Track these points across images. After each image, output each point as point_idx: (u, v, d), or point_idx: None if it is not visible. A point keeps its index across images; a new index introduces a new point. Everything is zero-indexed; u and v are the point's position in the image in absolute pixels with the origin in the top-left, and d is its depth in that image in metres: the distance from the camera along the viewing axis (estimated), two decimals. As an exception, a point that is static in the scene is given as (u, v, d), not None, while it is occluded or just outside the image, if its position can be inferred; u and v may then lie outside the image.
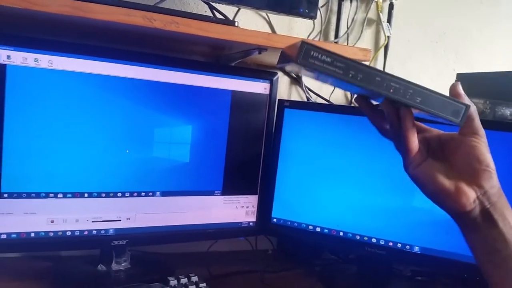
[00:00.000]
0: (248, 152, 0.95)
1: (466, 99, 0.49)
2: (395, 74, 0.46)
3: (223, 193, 0.92)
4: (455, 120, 0.48)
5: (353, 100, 0.47)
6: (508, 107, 0.98)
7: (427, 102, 0.47)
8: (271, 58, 0.92)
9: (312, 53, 0.44)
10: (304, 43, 0.44)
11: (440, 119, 0.48)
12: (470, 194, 0.48)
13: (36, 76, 0.72)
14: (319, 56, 0.44)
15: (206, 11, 0.97)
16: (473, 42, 1.34)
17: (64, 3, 0.59)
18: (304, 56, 0.44)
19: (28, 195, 0.75)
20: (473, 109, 0.49)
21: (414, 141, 0.50)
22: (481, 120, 0.93)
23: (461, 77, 1.11)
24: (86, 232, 0.80)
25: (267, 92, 0.94)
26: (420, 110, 0.47)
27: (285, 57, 0.48)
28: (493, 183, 0.49)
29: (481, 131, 0.50)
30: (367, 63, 1.12)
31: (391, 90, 0.46)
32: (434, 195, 0.51)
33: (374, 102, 0.54)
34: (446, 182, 0.49)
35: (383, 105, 0.51)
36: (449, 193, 0.49)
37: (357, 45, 1.17)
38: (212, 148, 0.90)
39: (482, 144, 0.50)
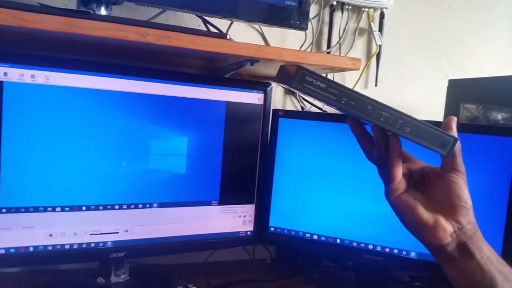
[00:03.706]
0: (244, 161, 0.96)
1: (455, 133, 0.51)
2: (387, 104, 0.47)
3: (220, 203, 0.93)
4: (442, 151, 0.49)
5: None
6: (500, 112, 1.00)
7: (416, 133, 0.48)
8: (264, 69, 0.94)
9: (307, 78, 0.46)
10: (299, 68, 0.46)
11: (428, 149, 0.49)
12: (447, 228, 0.50)
13: (33, 92, 0.73)
14: (314, 81, 0.46)
15: (200, 25, 0.99)
16: (465, 48, 1.36)
17: (58, 20, 0.61)
18: (299, 81, 0.46)
19: (26, 210, 0.76)
20: (458, 145, 0.50)
21: (398, 170, 0.52)
22: (474, 125, 0.95)
23: (453, 83, 1.13)
24: (84, 245, 0.81)
25: (261, 102, 0.95)
26: (408, 139, 0.49)
27: (283, 75, 0.50)
28: (470, 218, 0.51)
29: (462, 168, 0.52)
30: (358, 72, 1.15)
31: (382, 119, 0.48)
32: (413, 226, 0.53)
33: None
34: (425, 215, 0.51)
35: (373, 129, 0.52)
36: (427, 226, 0.51)
37: (349, 54, 1.19)
38: (208, 159, 0.91)
39: (462, 181, 0.52)
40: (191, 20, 1.01)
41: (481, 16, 1.37)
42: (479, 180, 0.81)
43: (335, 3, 1.14)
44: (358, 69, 0.87)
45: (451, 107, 1.10)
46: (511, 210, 0.81)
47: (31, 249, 0.77)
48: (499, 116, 0.99)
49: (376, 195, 0.87)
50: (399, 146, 0.51)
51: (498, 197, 0.82)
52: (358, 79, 1.19)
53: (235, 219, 0.95)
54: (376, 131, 0.52)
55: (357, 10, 1.19)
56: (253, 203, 0.97)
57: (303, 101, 1.15)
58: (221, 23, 0.98)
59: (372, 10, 1.19)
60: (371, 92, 1.22)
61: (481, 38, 1.38)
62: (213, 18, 0.96)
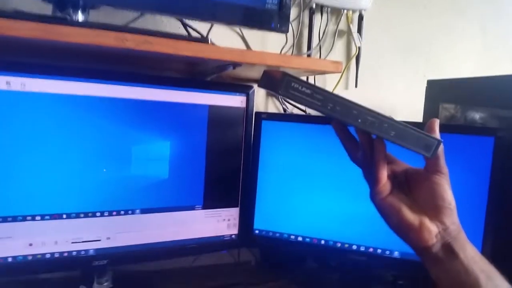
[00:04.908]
0: (227, 165, 0.95)
1: (438, 135, 0.51)
2: (371, 108, 0.48)
3: (204, 207, 0.92)
4: (426, 153, 0.50)
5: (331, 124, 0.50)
6: (477, 112, 1.02)
7: (401, 136, 0.49)
8: (246, 72, 0.93)
9: (292, 84, 0.46)
10: (285, 74, 0.46)
11: (412, 151, 0.50)
12: (432, 229, 0.51)
13: (9, 99, 0.71)
14: (300, 87, 0.46)
15: (179, 27, 0.98)
16: (442, 49, 1.38)
17: (34, 27, 0.59)
18: (285, 87, 0.46)
19: (4, 219, 0.74)
20: (441, 147, 0.51)
21: (383, 172, 0.52)
22: (452, 125, 0.96)
23: (432, 84, 1.15)
24: (66, 254, 0.79)
25: (244, 105, 0.95)
26: (393, 142, 0.49)
27: (268, 81, 0.50)
28: (453, 219, 0.52)
29: (445, 169, 0.52)
30: (338, 74, 1.16)
31: (367, 124, 0.48)
32: (398, 228, 0.53)
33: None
34: (410, 216, 0.52)
35: (358, 133, 0.52)
36: (412, 227, 0.51)
37: (329, 56, 1.20)
38: (191, 163, 0.90)
39: (445, 182, 0.52)
40: (170, 24, 1.00)
41: (454, 17, 1.40)
42: (457, 179, 0.83)
43: (314, 5, 1.15)
44: (340, 72, 0.88)
45: (430, 107, 1.12)
46: (490, 209, 0.83)
47: (10, 259, 0.75)
48: (477, 116, 1.01)
49: (359, 196, 0.89)
50: (384, 149, 0.52)
51: (477, 196, 0.84)
52: (339, 81, 1.19)
53: (219, 223, 0.95)
54: (361, 134, 0.52)
55: (336, 12, 1.20)
56: (237, 206, 0.97)
57: (285, 103, 1.15)
58: (201, 26, 0.97)
59: (351, 12, 1.19)
60: (351, 93, 1.23)
61: (455, 39, 1.41)
62: (193, 21, 0.95)
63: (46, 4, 0.69)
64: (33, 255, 0.77)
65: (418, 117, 1.15)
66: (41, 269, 0.81)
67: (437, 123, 0.53)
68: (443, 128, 0.53)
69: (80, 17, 0.70)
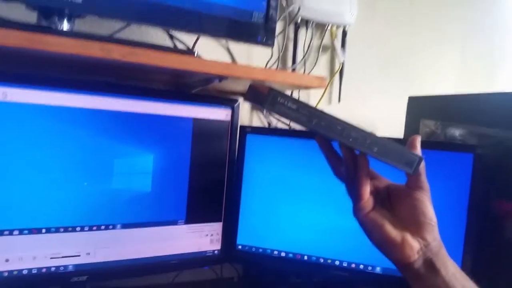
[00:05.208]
0: (211, 179, 0.94)
1: (419, 152, 0.52)
2: (355, 124, 0.49)
3: (186, 222, 0.91)
4: (408, 170, 0.51)
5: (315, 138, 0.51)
6: (457, 128, 1.04)
7: (383, 152, 0.50)
8: (232, 85, 0.93)
9: (279, 99, 0.47)
10: (271, 90, 0.46)
11: (394, 167, 0.51)
12: (414, 246, 0.52)
13: (-11, 109, 0.69)
14: (286, 102, 0.47)
15: (166, 39, 0.97)
16: (423, 65, 1.42)
17: (18, 35, 0.57)
18: (271, 102, 0.47)
19: (-20, 234, 0.71)
20: (422, 164, 0.52)
21: (366, 188, 0.53)
22: (432, 142, 0.98)
23: (413, 100, 1.16)
24: (44, 270, 0.76)
25: (229, 118, 0.94)
26: (376, 158, 0.50)
27: (254, 95, 0.50)
28: (435, 235, 0.53)
29: (426, 185, 0.53)
30: (322, 89, 1.17)
31: (351, 139, 0.49)
32: (381, 244, 0.53)
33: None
34: (393, 232, 0.52)
35: (342, 148, 0.53)
36: (394, 243, 0.52)
37: (314, 71, 1.21)
38: (174, 177, 0.89)
39: (426, 198, 0.53)
40: (157, 34, 0.99)
41: (435, 34, 1.43)
42: (437, 195, 0.84)
43: (299, 20, 1.16)
44: (324, 87, 0.88)
45: (411, 123, 1.13)
46: (469, 224, 0.84)
47: (-16, 276, 0.72)
48: (457, 133, 1.03)
49: (342, 211, 0.89)
50: (367, 165, 0.52)
51: (456, 211, 0.85)
52: (322, 95, 1.20)
53: (202, 238, 0.93)
54: (345, 150, 0.53)
55: (321, 27, 1.21)
56: (221, 221, 0.95)
57: (269, 116, 1.15)
58: (188, 38, 0.97)
59: (335, 27, 1.21)
60: (335, 108, 1.24)
61: (436, 56, 1.44)
62: (179, 33, 0.94)
63: (31, 12, 0.68)
64: (9, 271, 0.74)
65: (400, 132, 1.17)
66: (18, 286, 0.78)
67: (418, 139, 0.53)
68: (423, 144, 0.54)
69: (65, 26, 0.69)
